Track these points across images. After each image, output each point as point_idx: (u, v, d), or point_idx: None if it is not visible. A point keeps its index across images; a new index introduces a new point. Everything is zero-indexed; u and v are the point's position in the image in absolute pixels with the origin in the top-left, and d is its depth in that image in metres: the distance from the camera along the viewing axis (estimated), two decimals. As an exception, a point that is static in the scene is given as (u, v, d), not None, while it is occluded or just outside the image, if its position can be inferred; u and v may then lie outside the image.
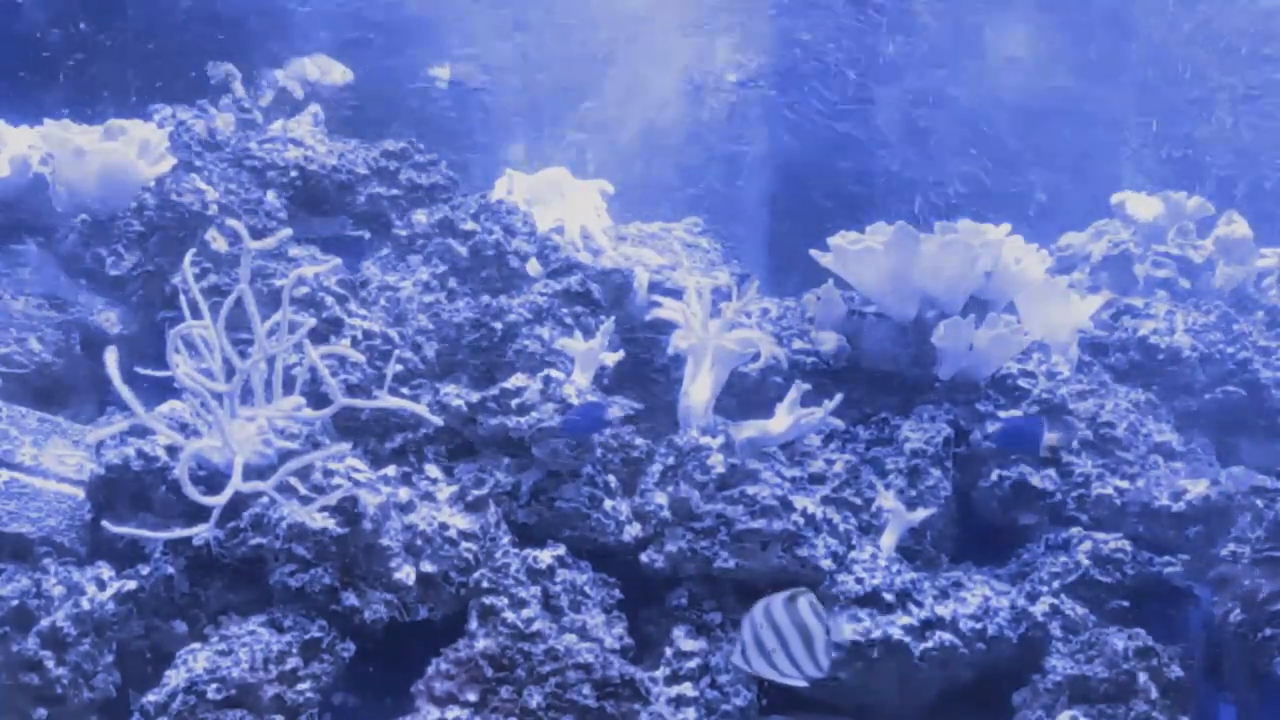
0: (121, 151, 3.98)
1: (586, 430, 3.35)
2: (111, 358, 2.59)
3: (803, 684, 2.62)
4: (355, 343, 3.61)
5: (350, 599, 3.04)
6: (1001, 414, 3.87)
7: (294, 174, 4.31)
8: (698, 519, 3.32)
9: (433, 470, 3.41)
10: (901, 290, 3.98)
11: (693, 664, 3.17)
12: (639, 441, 3.60)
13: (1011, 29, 6.32)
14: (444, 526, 3.21)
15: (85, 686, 2.88)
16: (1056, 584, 3.53)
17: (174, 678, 2.84)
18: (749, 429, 3.55)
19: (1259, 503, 3.55)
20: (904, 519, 3.48)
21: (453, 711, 2.83)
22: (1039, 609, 3.45)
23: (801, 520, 3.32)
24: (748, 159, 6.44)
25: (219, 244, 3.80)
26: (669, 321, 3.79)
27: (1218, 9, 6.39)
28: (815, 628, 2.50)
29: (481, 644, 2.98)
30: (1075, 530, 3.68)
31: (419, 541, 3.17)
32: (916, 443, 3.72)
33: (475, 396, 3.51)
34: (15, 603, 2.85)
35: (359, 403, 3.08)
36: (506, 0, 6.01)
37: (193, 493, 2.71)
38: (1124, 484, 3.81)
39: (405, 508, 3.21)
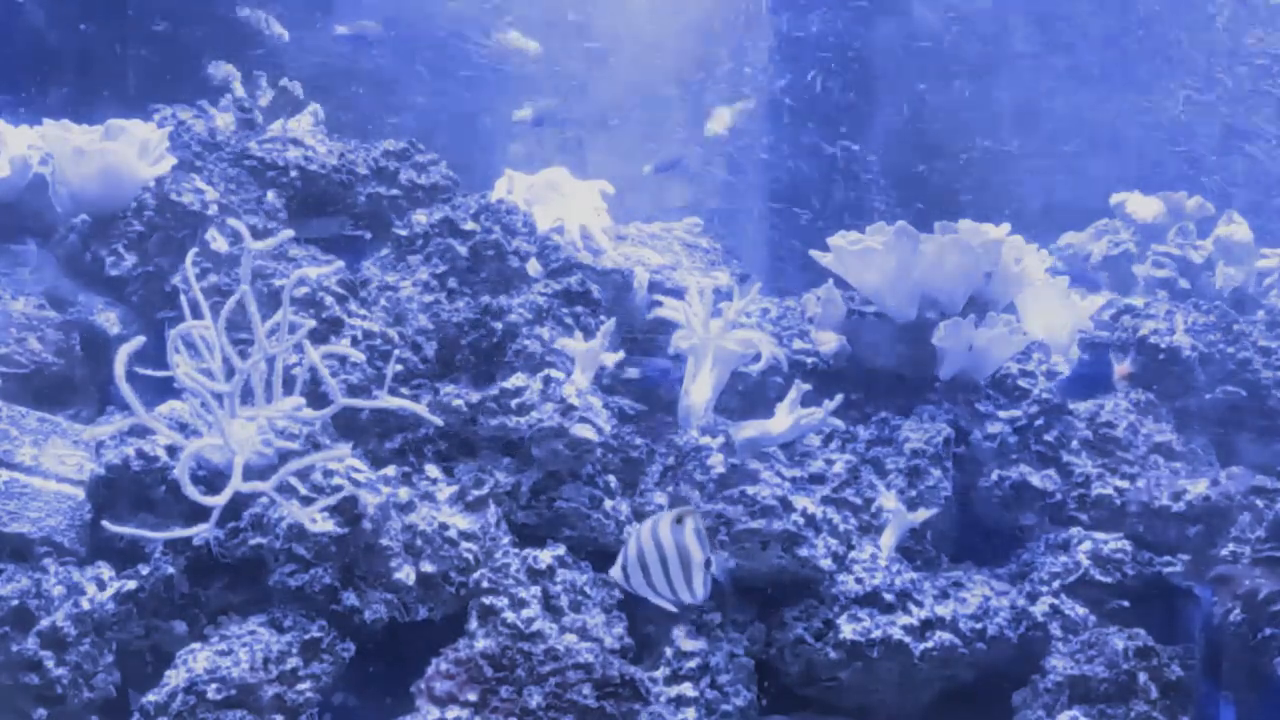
0: (121, 151, 3.97)
1: (659, 382, 3.48)
2: (121, 356, 2.59)
3: (674, 610, 2.56)
4: (355, 343, 3.61)
5: (350, 599, 3.05)
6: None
7: (294, 174, 4.30)
8: (698, 519, 3.32)
9: (433, 470, 3.40)
10: (901, 290, 3.98)
11: (693, 664, 3.17)
12: (639, 441, 3.59)
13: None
14: (444, 526, 3.21)
15: (85, 686, 2.88)
16: (1056, 584, 3.53)
17: (174, 678, 2.84)
18: (749, 429, 3.55)
19: (1259, 503, 3.56)
20: (905, 519, 3.48)
21: (453, 711, 2.83)
22: (1039, 609, 3.46)
23: (801, 520, 3.32)
24: (748, 160, 6.45)
25: (219, 244, 3.80)
26: (670, 321, 3.79)
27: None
28: (696, 555, 2.43)
29: (481, 644, 2.98)
30: (1075, 530, 3.68)
31: (419, 541, 3.17)
32: (916, 443, 3.72)
33: (475, 396, 3.51)
34: (15, 603, 2.85)
35: (359, 403, 3.08)
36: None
37: (193, 493, 2.71)
38: (1124, 484, 3.81)
39: (405, 508, 3.21)
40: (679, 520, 2.44)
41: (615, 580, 2.56)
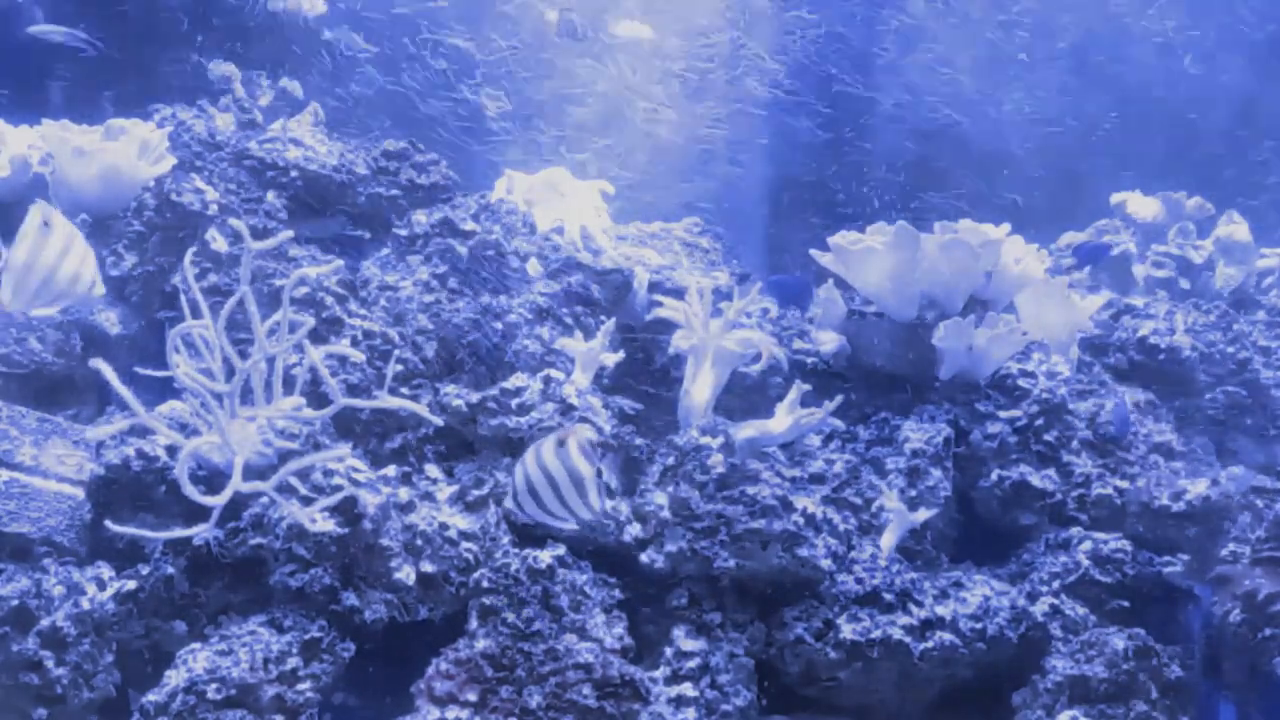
0: (121, 151, 3.98)
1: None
2: (104, 365, 2.59)
3: (575, 528, 2.58)
4: (355, 343, 3.61)
5: (350, 599, 3.05)
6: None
7: (294, 174, 4.30)
8: (698, 519, 3.32)
9: (433, 470, 3.40)
10: (902, 290, 3.98)
11: (693, 664, 3.17)
12: (639, 441, 3.60)
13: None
14: (444, 526, 3.21)
15: (85, 686, 2.88)
16: (1056, 584, 3.53)
17: (174, 678, 2.84)
18: (749, 429, 3.55)
19: (1259, 503, 3.56)
20: (906, 519, 3.48)
21: (453, 711, 2.83)
22: (1039, 609, 3.46)
23: (801, 520, 3.32)
24: (747, 158, 6.45)
25: (219, 244, 3.80)
26: (670, 321, 3.79)
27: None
28: (585, 470, 2.46)
29: (481, 644, 2.98)
30: (1075, 530, 3.68)
31: (419, 541, 3.17)
32: (916, 443, 3.72)
33: (475, 396, 3.51)
34: (15, 603, 2.85)
35: (359, 403, 3.07)
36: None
37: (192, 493, 2.71)
38: (1124, 484, 3.81)
39: (405, 508, 3.21)
40: (561, 443, 2.46)
41: (510, 512, 2.58)
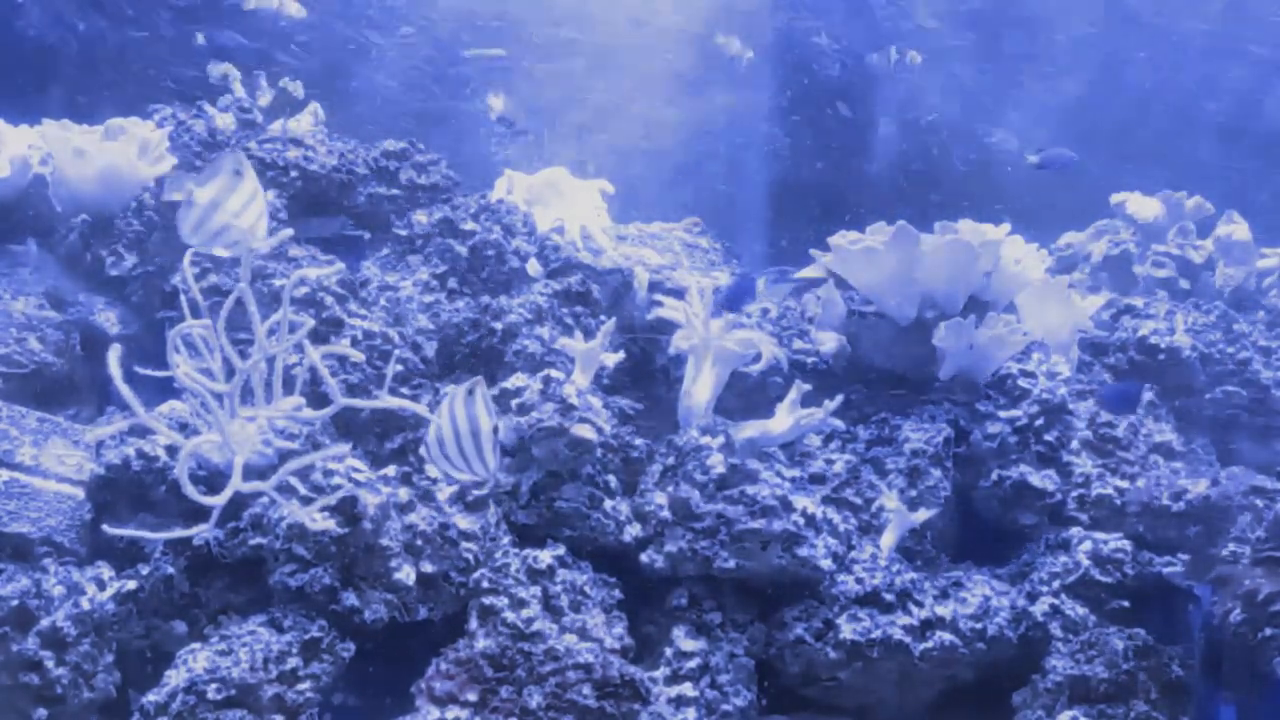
0: (121, 151, 3.98)
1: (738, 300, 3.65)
2: (114, 356, 2.59)
3: (473, 480, 2.56)
4: (355, 343, 3.61)
5: (350, 599, 3.05)
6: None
7: (294, 174, 4.31)
8: (698, 519, 3.32)
9: (433, 470, 3.40)
10: (901, 290, 3.98)
11: (693, 664, 3.17)
12: (639, 441, 3.60)
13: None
14: (444, 526, 3.21)
15: (85, 686, 2.88)
16: (1056, 584, 3.53)
17: (174, 678, 2.84)
18: (749, 429, 3.55)
19: (1259, 503, 3.55)
20: (906, 520, 3.48)
21: (453, 711, 2.83)
22: (1039, 609, 3.46)
23: (801, 520, 3.32)
24: (747, 158, 6.45)
25: (219, 244, 3.80)
26: (670, 321, 3.79)
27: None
28: (484, 423, 2.42)
29: (481, 644, 2.98)
30: (1075, 530, 3.68)
31: (419, 541, 3.17)
32: (916, 443, 3.72)
33: (475, 396, 3.50)
34: (15, 603, 2.85)
35: (359, 403, 3.07)
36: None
37: (192, 493, 2.71)
38: (1124, 484, 3.81)
39: (405, 508, 3.21)
40: (470, 393, 2.43)
41: (423, 456, 2.56)
